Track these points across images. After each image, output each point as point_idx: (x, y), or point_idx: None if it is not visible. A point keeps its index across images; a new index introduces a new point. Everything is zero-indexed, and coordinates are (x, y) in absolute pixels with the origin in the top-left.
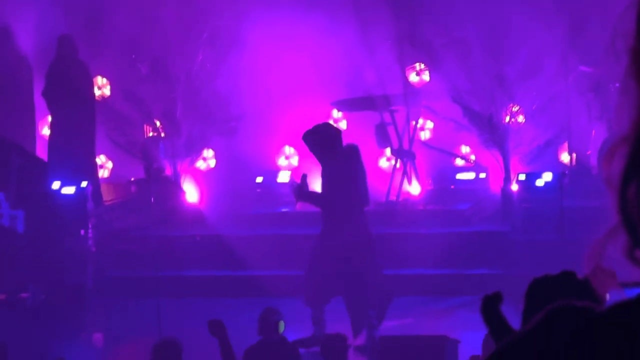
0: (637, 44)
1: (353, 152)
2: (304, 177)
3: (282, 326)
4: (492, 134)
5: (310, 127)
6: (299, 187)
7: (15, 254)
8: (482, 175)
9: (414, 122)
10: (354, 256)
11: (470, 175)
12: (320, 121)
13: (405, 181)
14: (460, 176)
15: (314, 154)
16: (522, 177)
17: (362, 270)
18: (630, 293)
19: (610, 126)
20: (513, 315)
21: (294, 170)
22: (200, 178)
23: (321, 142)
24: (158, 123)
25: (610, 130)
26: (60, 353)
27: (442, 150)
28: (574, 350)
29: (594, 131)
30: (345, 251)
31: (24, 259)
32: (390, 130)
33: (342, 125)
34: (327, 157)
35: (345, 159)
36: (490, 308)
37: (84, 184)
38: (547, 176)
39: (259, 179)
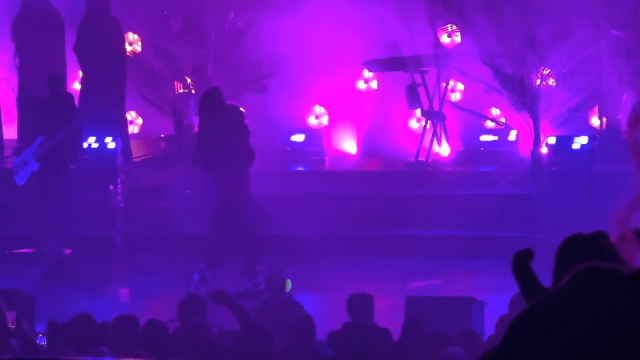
0: None
1: (238, 111)
2: None
3: (288, 285)
4: (523, 96)
5: (334, 86)
6: None
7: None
8: (512, 137)
9: (444, 84)
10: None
11: (494, 137)
12: (351, 81)
13: (435, 142)
14: (484, 138)
15: (205, 115)
16: (552, 140)
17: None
18: None
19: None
20: (542, 277)
21: (323, 130)
22: None
23: (218, 104)
24: (189, 80)
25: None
26: (88, 307)
27: (472, 111)
28: (600, 310)
29: (624, 95)
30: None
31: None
32: (421, 91)
33: (373, 85)
34: (218, 117)
35: (234, 118)
36: (522, 264)
37: (112, 144)
38: (580, 139)
39: (300, 138)
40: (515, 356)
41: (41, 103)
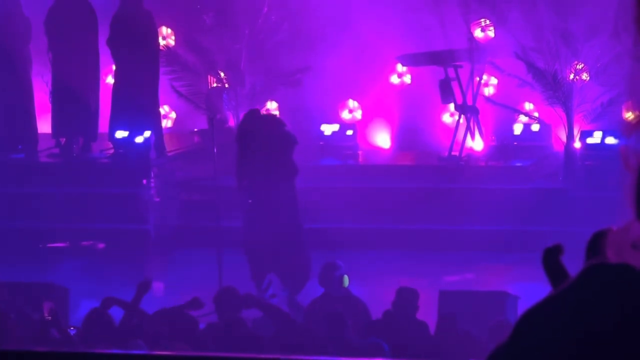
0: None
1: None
2: None
3: (346, 280)
4: (556, 91)
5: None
6: None
7: None
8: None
9: (478, 78)
10: None
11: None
12: (384, 75)
13: (469, 137)
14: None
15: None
16: (585, 134)
17: None
18: None
19: None
20: (574, 271)
21: (357, 124)
22: None
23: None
24: (222, 74)
25: None
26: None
27: (505, 106)
28: (607, 304)
29: None
30: None
31: None
32: (454, 85)
33: (406, 79)
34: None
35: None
36: (551, 259)
37: (146, 134)
38: (611, 135)
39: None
40: (522, 353)
41: None
